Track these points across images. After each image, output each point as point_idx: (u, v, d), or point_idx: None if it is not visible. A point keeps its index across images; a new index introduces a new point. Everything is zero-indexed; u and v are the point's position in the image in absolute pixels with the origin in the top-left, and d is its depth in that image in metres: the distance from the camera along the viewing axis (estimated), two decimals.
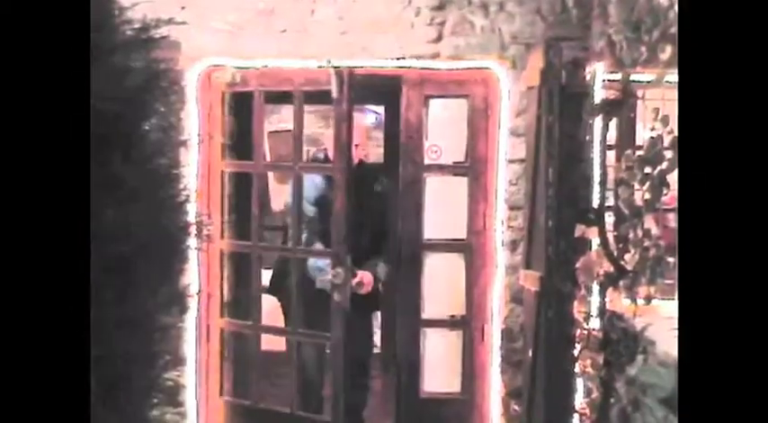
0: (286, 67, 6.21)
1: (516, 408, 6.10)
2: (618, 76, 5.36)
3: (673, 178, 5.38)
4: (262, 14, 6.25)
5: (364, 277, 6.75)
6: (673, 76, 5.25)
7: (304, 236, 6.54)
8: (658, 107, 5.46)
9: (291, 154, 6.91)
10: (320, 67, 6.05)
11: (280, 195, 9.08)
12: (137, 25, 3.45)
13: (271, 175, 10.08)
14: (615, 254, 5.36)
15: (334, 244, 6.15)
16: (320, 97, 6.41)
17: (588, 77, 5.45)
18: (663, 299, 5.81)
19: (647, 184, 5.30)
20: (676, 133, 5.29)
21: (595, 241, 5.41)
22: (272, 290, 7.38)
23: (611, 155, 5.69)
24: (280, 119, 9.39)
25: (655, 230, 5.57)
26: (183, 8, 6.08)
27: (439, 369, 6.80)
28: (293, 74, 6.14)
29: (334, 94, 5.79)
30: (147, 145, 3.45)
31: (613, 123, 5.56)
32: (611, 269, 5.37)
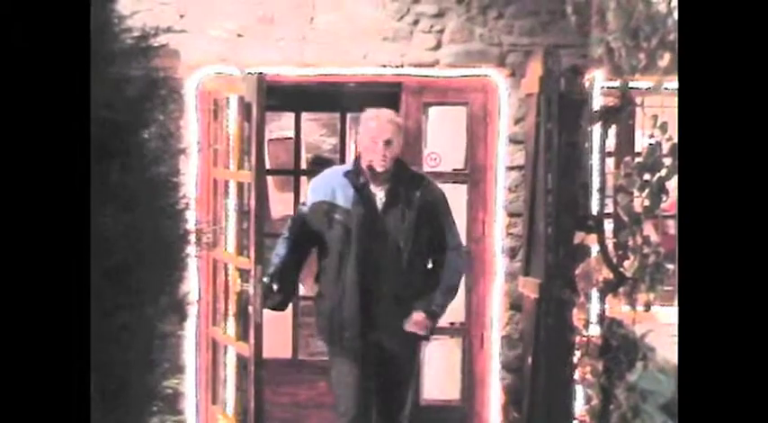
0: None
1: (516, 415, 6.10)
2: (616, 84, 5.38)
3: (672, 185, 5.39)
4: (261, 22, 6.26)
5: (417, 318, 5.49)
6: (671, 82, 5.28)
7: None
8: (657, 114, 5.48)
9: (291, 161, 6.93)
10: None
11: (280, 203, 9.04)
12: (136, 34, 3.46)
13: (270, 182, 10.04)
14: (614, 261, 5.37)
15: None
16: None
17: (587, 85, 5.47)
18: (662, 305, 5.82)
19: (646, 190, 5.31)
20: (675, 140, 5.31)
21: (595, 248, 5.42)
22: None
23: (610, 162, 5.70)
24: (280, 126, 9.38)
25: (654, 237, 5.58)
26: (181, 16, 6.08)
27: (438, 376, 6.79)
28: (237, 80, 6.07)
29: (247, 100, 5.76)
30: (147, 153, 3.46)
31: (612, 130, 5.57)
32: (611, 276, 5.38)
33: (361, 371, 5.58)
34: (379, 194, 5.50)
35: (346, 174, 5.56)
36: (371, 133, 5.45)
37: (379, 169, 5.45)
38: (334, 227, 5.46)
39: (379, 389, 5.67)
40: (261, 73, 5.73)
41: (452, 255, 5.56)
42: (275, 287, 5.54)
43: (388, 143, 5.43)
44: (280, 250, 5.59)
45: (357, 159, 5.62)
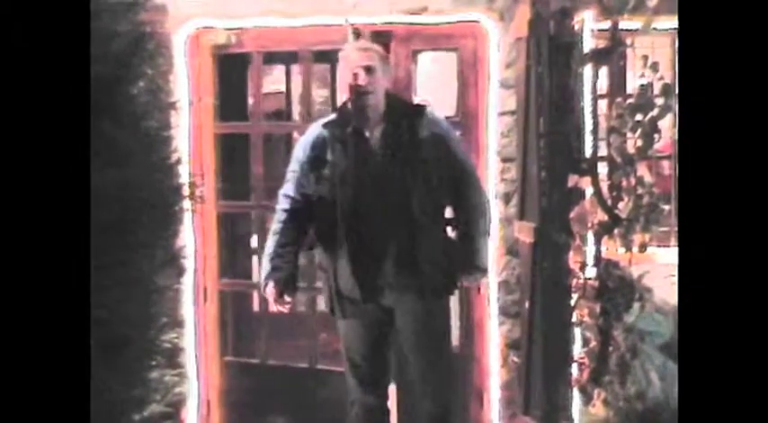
0: (283, 26, 6.11)
1: (515, 359, 6.13)
2: (606, 25, 5.36)
3: (664, 125, 5.40)
4: None
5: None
6: (661, 23, 5.27)
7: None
8: (647, 54, 5.47)
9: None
10: (338, 25, 5.96)
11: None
12: None
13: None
14: (609, 202, 5.37)
15: None
16: (328, 56, 6.42)
17: (576, 27, 5.44)
18: (658, 246, 5.84)
19: (639, 131, 5.31)
20: (666, 80, 5.32)
21: (589, 190, 5.41)
22: None
23: (602, 104, 5.69)
24: (271, 80, 9.36)
25: (648, 178, 5.58)
26: None
27: None
28: (298, 33, 6.06)
29: None
30: (136, 108, 3.45)
31: (603, 72, 5.55)
32: (606, 218, 5.38)
33: (371, 333, 4.99)
34: (375, 135, 4.79)
35: (326, 125, 4.88)
36: (350, 65, 4.73)
37: (367, 101, 4.72)
38: (321, 184, 4.76)
39: (408, 349, 5.06)
40: (368, 24, 5.91)
41: (478, 198, 4.99)
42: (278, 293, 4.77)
43: (369, 70, 4.73)
44: (274, 242, 4.84)
45: (341, 106, 4.87)
